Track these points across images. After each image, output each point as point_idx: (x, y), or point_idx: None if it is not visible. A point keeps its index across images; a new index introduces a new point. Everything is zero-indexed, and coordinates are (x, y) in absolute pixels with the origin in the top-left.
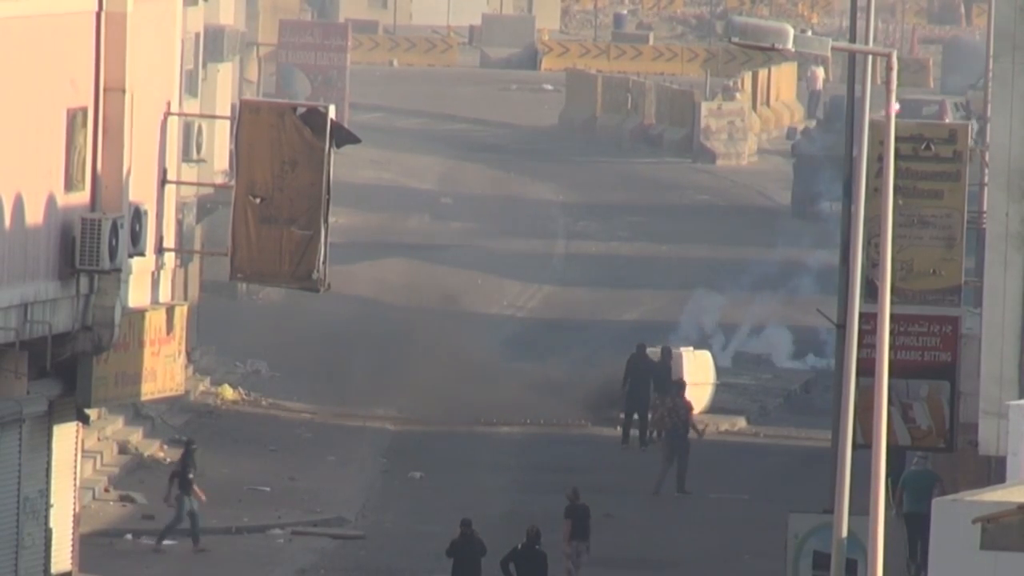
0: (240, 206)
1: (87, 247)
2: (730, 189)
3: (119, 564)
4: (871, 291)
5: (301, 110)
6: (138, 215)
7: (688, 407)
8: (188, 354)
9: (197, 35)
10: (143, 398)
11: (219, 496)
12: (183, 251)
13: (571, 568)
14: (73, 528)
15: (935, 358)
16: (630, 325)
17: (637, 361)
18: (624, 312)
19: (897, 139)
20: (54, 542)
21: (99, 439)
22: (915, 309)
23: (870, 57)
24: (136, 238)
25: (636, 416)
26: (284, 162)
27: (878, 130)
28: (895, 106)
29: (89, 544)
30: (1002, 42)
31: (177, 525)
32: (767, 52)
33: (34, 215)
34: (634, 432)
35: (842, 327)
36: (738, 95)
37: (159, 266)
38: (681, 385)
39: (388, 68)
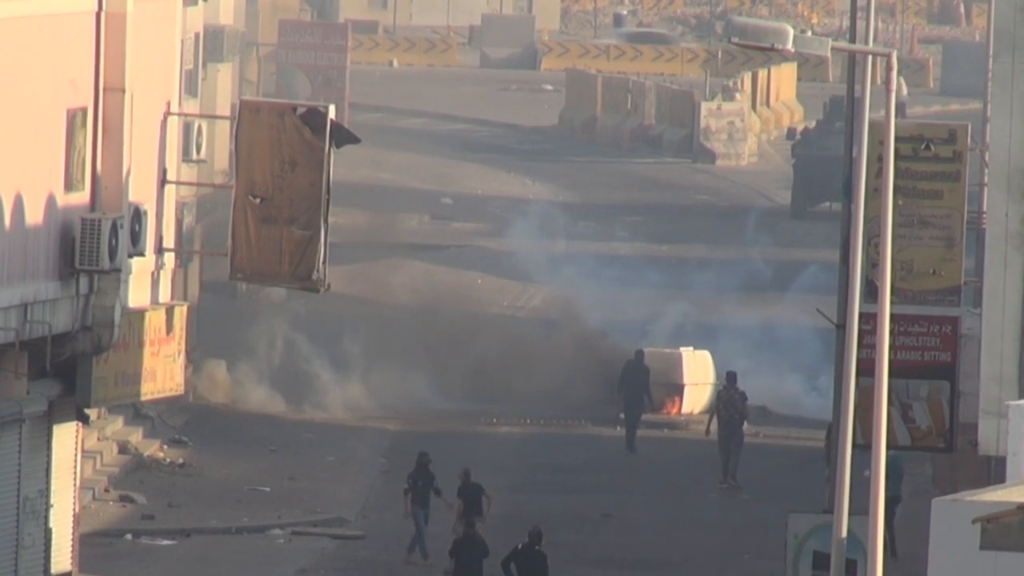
0: (240, 206)
1: (87, 247)
2: (730, 189)
3: (119, 564)
4: (871, 291)
5: (301, 110)
6: (138, 215)
7: (743, 398)
8: (188, 354)
9: (197, 35)
10: (143, 398)
11: (219, 496)
12: (183, 251)
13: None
14: (73, 528)
15: (935, 358)
16: (631, 325)
17: (633, 367)
18: (624, 312)
19: (897, 139)
20: (54, 542)
21: (99, 439)
22: (915, 309)
23: (870, 57)
24: (136, 238)
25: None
26: (284, 162)
27: (878, 130)
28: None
29: (89, 544)
30: (1002, 42)
31: (422, 538)
32: (767, 52)
33: (34, 215)
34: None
35: (842, 327)
36: (738, 95)
37: (159, 266)
38: (733, 376)
39: (388, 68)
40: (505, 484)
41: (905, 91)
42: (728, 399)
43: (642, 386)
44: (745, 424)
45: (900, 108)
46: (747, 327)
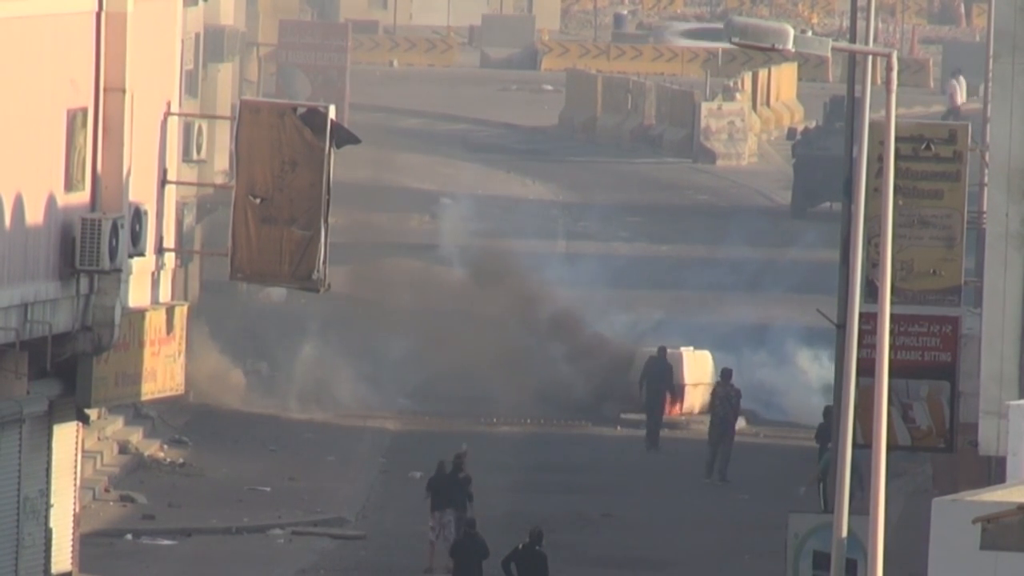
0: (240, 206)
1: (87, 247)
2: (730, 189)
3: (119, 564)
4: (871, 291)
5: (301, 110)
6: (138, 215)
7: (738, 395)
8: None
9: (197, 35)
10: (143, 398)
11: (219, 496)
12: (183, 251)
13: (433, 540)
14: (73, 528)
15: (935, 358)
16: (630, 325)
17: (656, 363)
18: (624, 312)
19: (897, 139)
20: (54, 542)
21: (99, 439)
22: (915, 309)
23: (870, 57)
24: (136, 238)
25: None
26: (284, 162)
27: (878, 130)
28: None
29: (89, 544)
30: (1002, 42)
31: None
32: (767, 52)
33: (34, 215)
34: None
35: (842, 327)
36: (738, 95)
37: (159, 266)
38: (728, 373)
39: (388, 68)
40: (505, 484)
41: (961, 98)
42: (724, 396)
43: (665, 383)
44: (740, 422)
45: (954, 113)
46: (715, 325)
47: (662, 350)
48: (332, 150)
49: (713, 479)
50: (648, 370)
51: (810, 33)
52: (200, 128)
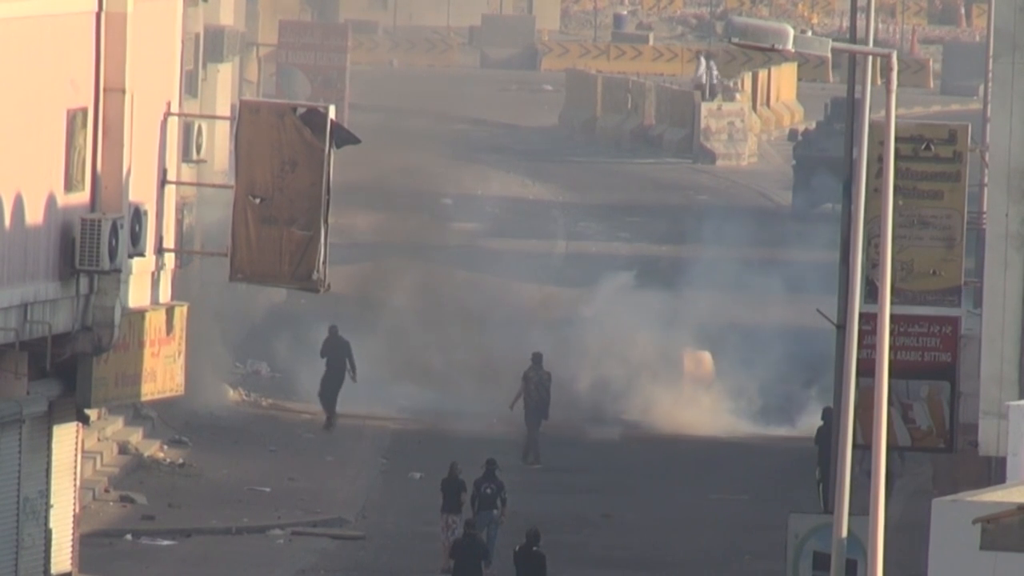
0: (240, 206)
1: (87, 247)
2: (730, 190)
3: (119, 564)
4: (871, 291)
5: (301, 110)
6: (138, 215)
7: (549, 378)
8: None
9: (197, 35)
10: (143, 399)
11: (219, 496)
12: (183, 251)
13: (445, 541)
14: (73, 528)
15: (935, 358)
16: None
17: (534, 372)
18: (624, 312)
19: (897, 139)
20: (54, 542)
21: (99, 439)
22: (915, 309)
23: (870, 57)
24: (136, 238)
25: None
26: (284, 162)
27: (878, 130)
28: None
29: (89, 544)
30: (1002, 42)
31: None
32: (767, 53)
33: (34, 215)
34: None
35: (842, 327)
36: (738, 96)
37: (159, 266)
38: (539, 357)
39: (388, 68)
40: (505, 484)
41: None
42: (538, 380)
43: (544, 393)
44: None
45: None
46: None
47: (538, 356)
48: (332, 150)
49: (528, 461)
50: (528, 379)
51: (810, 33)
52: (200, 128)
